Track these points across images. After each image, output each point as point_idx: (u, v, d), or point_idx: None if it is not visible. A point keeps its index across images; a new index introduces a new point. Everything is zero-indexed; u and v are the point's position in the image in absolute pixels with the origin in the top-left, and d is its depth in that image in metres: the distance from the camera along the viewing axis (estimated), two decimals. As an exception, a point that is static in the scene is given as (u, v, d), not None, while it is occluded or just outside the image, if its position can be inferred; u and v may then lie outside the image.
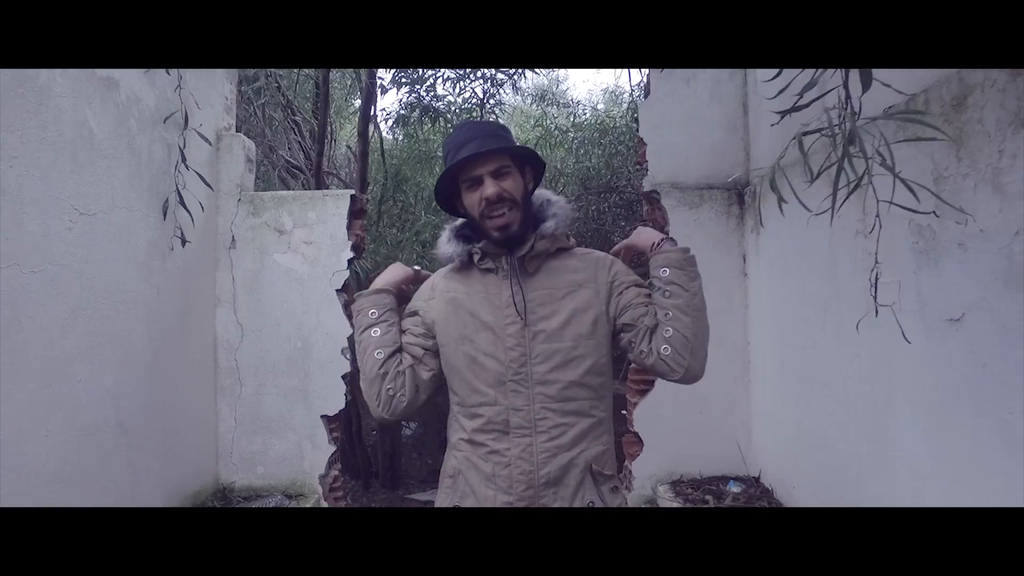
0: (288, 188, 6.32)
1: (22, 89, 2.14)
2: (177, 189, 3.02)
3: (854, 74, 1.34)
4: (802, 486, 2.98)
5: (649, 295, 1.64)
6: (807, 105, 1.51)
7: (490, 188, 1.60)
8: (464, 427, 1.66)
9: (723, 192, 3.62)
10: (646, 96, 3.80)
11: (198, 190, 3.16)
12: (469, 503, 1.64)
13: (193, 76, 3.31)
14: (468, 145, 1.63)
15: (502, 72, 5.94)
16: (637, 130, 3.95)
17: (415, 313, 1.72)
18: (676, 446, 3.55)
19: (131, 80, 2.79)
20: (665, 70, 3.66)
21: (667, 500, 3.29)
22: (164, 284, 3.01)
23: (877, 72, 1.30)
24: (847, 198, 1.48)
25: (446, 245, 1.75)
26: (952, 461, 1.91)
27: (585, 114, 7.25)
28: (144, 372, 2.83)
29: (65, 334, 2.33)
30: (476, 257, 1.69)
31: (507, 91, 6.52)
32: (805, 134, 1.42)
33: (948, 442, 1.93)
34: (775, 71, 1.53)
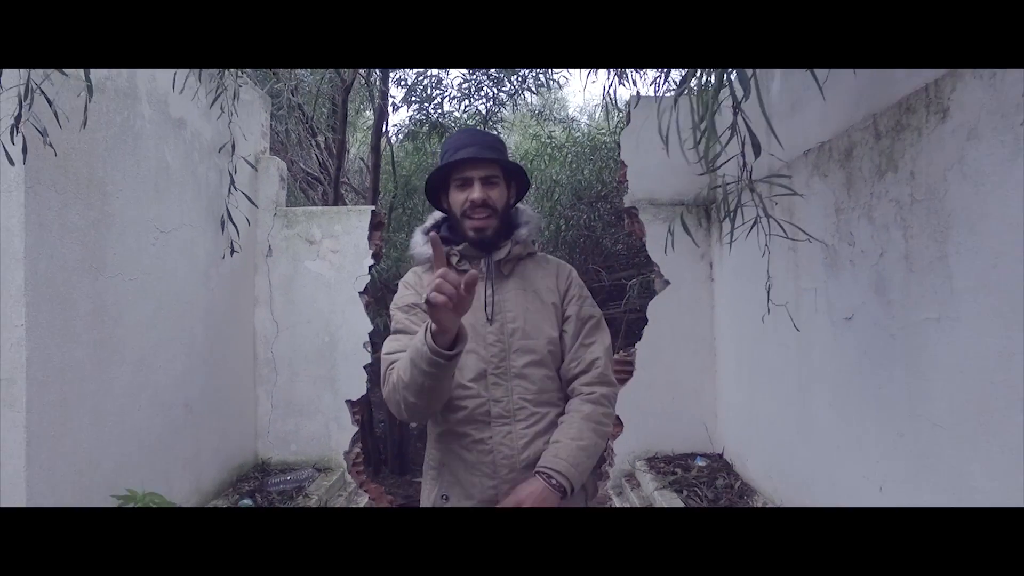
0: (307, 197, 6.89)
1: (125, 136, 2.70)
2: (227, 208, 3.58)
3: (763, 129, 1.90)
4: (753, 459, 3.54)
5: (579, 335, 1.77)
6: (721, 166, 2.07)
7: (477, 192, 1.72)
8: (447, 419, 1.73)
9: (693, 208, 4.18)
10: (627, 124, 4.36)
11: (243, 206, 3.73)
12: (455, 492, 1.72)
13: (237, 107, 3.87)
14: (466, 149, 1.75)
15: (503, 92, 6.50)
16: (619, 154, 4.51)
17: (416, 306, 1.76)
18: (651, 427, 4.11)
19: (193, 118, 3.35)
20: (642, 100, 4.20)
21: (643, 473, 3.85)
22: (217, 288, 3.58)
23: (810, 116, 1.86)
24: (749, 231, 2.05)
25: (423, 247, 1.82)
26: (849, 426, 2.48)
27: (579, 131, 7.79)
28: (201, 362, 3.40)
29: (150, 329, 2.90)
30: (455, 259, 1.78)
31: (508, 109, 7.06)
32: (715, 187, 1.99)
33: (846, 411, 2.50)
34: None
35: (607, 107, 3.15)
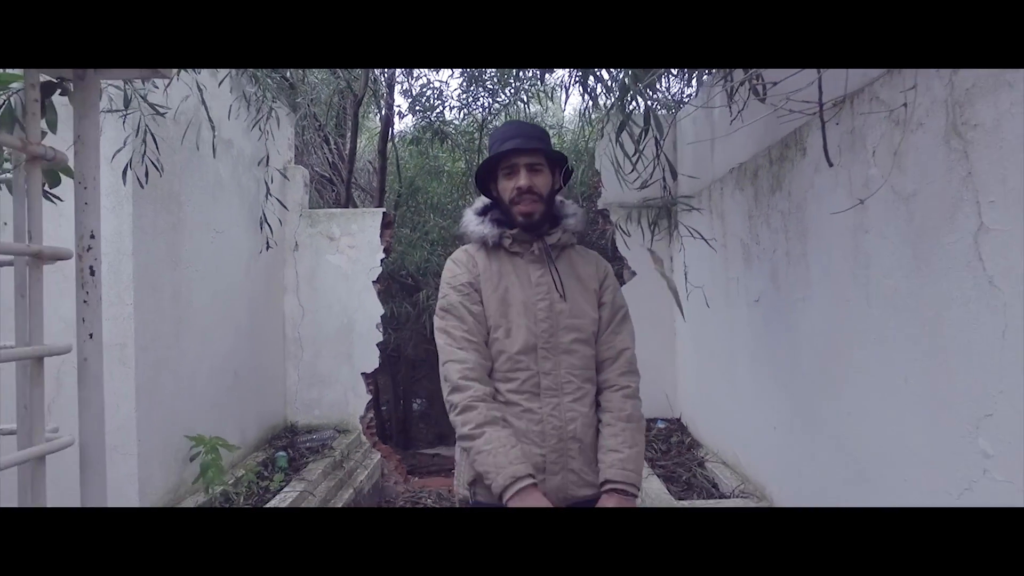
0: (321, 196, 7.60)
1: (192, 156, 3.42)
2: (263, 212, 4.30)
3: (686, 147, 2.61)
4: (700, 420, 4.27)
5: (611, 322, 1.90)
6: (650, 184, 2.79)
7: (523, 179, 1.83)
8: (498, 388, 1.81)
9: (658, 209, 4.88)
10: (600, 138, 5.07)
11: (275, 209, 4.45)
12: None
13: (272, 126, 4.59)
14: (513, 140, 1.86)
15: (498, 102, 7.21)
16: (594, 163, 5.22)
17: (470, 285, 1.84)
18: (620, 396, 4.84)
19: (238, 137, 4.06)
20: (611, 116, 4.90)
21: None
22: (256, 278, 4.30)
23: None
24: (674, 235, 2.76)
25: (479, 226, 1.92)
26: (756, 382, 3.20)
27: (567, 138, 8.49)
28: (245, 339, 4.12)
29: (209, 310, 3.62)
30: (508, 242, 1.88)
31: (503, 118, 7.77)
32: (645, 206, 2.70)
33: (754, 371, 3.22)
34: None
35: (583, 124, 3.87)
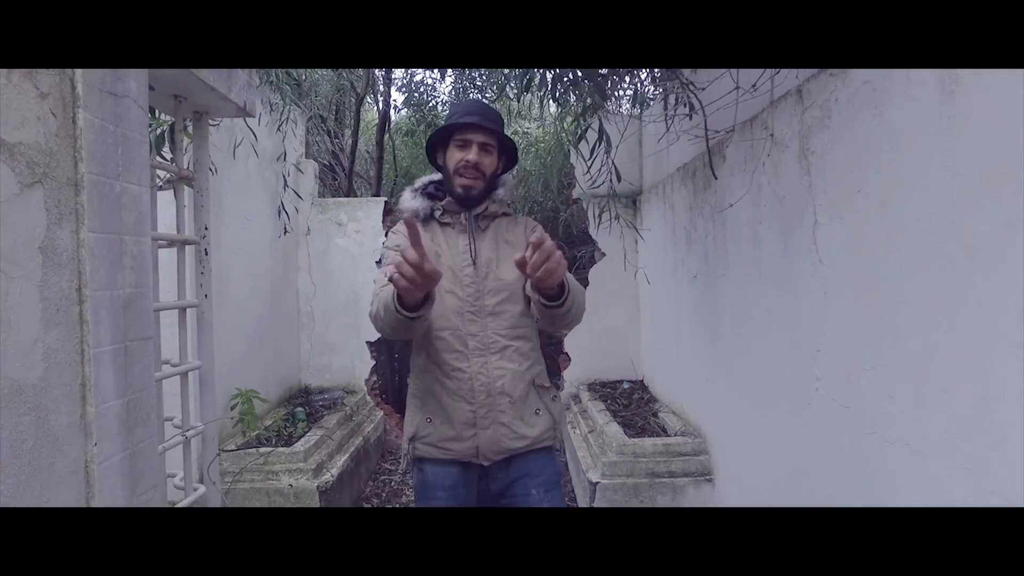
0: (324, 184, 8.26)
1: (229, 155, 4.09)
2: (281, 201, 4.97)
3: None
4: (657, 381, 5.00)
5: None
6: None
7: (473, 155, 1.93)
8: (428, 352, 1.93)
9: (626, 198, 5.58)
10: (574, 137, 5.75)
11: (291, 199, 5.13)
12: (439, 416, 1.92)
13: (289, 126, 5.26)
14: (473, 116, 1.96)
15: (486, 98, 7.88)
16: (569, 158, 5.91)
17: (398, 247, 1.83)
18: (592, 362, 5.57)
19: (262, 135, 4.72)
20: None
21: (585, 393, 5.29)
22: (276, 258, 4.99)
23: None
24: (637, 221, 3.47)
25: (412, 201, 2.04)
26: (694, 345, 3.91)
27: (549, 131, 9.16)
28: (267, 311, 4.81)
29: (240, 284, 4.30)
30: (438, 213, 1.99)
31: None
32: (612, 196, 3.41)
33: (693, 336, 3.94)
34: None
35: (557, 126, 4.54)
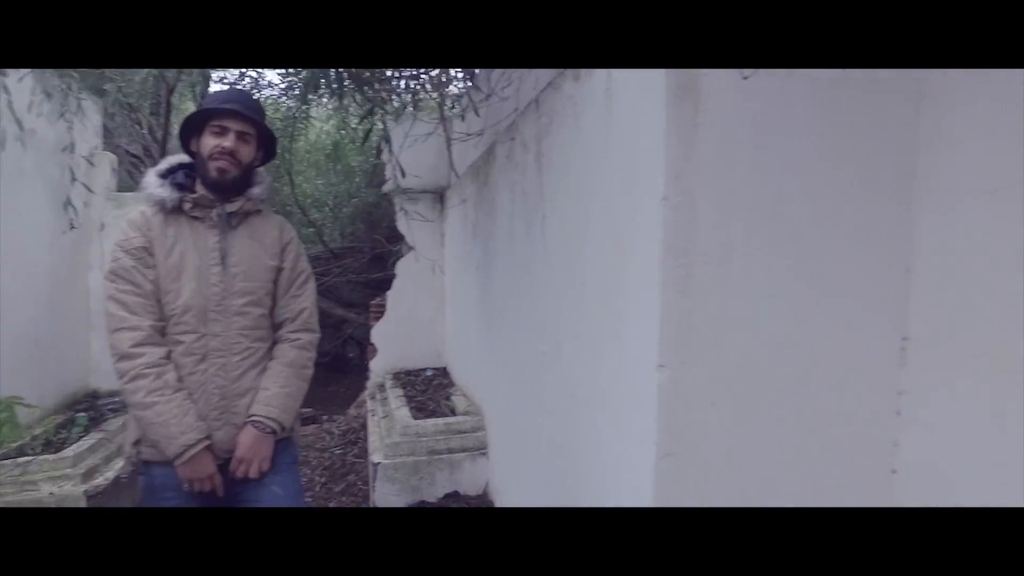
0: (131, 176, 7.92)
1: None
2: (68, 196, 4.78)
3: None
4: (454, 366, 5.27)
5: (291, 286, 2.06)
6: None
7: (230, 141, 1.88)
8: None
9: (433, 194, 5.81)
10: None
11: (81, 193, 4.94)
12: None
13: (77, 116, 5.04)
14: (233, 103, 1.92)
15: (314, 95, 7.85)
16: (379, 155, 6.08)
17: (144, 250, 1.86)
18: (398, 351, 5.76)
19: (41, 127, 4.53)
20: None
21: (389, 381, 5.48)
22: (59, 256, 4.76)
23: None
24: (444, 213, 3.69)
25: (159, 188, 1.92)
26: (480, 327, 4.21)
27: (378, 130, 9.28)
28: (45, 312, 4.60)
29: (11, 282, 4.12)
30: (188, 206, 1.90)
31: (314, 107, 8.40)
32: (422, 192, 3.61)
33: (476, 324, 4.23)
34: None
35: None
